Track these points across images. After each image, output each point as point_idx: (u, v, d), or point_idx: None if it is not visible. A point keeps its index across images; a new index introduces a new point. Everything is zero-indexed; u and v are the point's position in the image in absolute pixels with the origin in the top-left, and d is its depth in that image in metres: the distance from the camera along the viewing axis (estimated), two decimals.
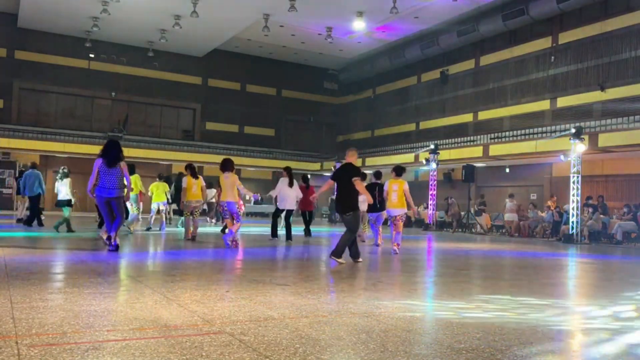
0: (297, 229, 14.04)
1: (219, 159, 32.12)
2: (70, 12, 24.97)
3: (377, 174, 12.00)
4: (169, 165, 28.55)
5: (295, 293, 5.12)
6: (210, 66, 31.93)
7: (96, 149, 26.25)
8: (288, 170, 12.59)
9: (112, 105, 30.64)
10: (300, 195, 12.63)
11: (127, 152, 28.70)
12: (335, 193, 8.09)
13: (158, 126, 31.81)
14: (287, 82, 33.98)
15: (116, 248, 8.12)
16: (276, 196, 12.49)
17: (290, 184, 12.29)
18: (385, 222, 11.81)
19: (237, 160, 31.34)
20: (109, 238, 8.25)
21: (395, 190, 9.96)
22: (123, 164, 8.25)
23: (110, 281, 5.48)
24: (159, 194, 14.37)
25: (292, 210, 12.66)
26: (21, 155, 25.87)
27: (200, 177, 12.03)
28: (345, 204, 7.74)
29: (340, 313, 4.28)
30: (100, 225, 11.09)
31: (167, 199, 14.79)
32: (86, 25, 26.26)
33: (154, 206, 14.59)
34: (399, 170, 10.17)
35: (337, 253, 7.66)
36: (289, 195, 12.29)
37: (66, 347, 3.01)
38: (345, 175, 7.81)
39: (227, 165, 10.01)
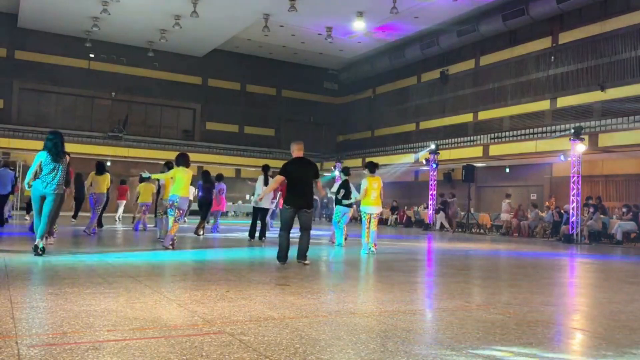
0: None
1: (219, 159, 31.86)
2: (70, 12, 24.96)
3: (346, 171, 11.69)
4: None
5: (295, 293, 5.12)
6: (210, 66, 31.91)
7: (96, 149, 26.65)
8: (264, 168, 12.22)
9: (112, 105, 30.63)
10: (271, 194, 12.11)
11: (127, 152, 28.82)
12: (291, 188, 7.62)
13: (158, 126, 31.80)
14: (287, 82, 33.96)
15: (42, 251, 7.28)
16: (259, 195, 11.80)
17: (266, 183, 11.79)
18: (352, 219, 11.49)
19: (237, 160, 31.46)
20: (36, 247, 7.27)
21: (375, 189, 9.83)
22: (68, 158, 7.74)
23: (110, 281, 5.47)
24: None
25: (267, 209, 12.24)
26: (21, 155, 25.87)
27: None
28: (309, 200, 7.62)
29: (340, 313, 4.28)
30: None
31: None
32: (86, 25, 26.24)
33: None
34: (373, 167, 9.96)
35: (303, 256, 7.51)
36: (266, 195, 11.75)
37: (66, 347, 3.01)
38: (309, 172, 7.69)
39: (187, 160, 9.58)
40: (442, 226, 21.43)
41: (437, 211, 21.82)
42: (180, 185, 9.29)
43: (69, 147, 28.54)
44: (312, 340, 3.38)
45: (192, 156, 30.08)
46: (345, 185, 11.12)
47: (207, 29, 26.42)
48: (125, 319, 3.78)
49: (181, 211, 9.40)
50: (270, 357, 2.99)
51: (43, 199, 7.41)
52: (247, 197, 30.55)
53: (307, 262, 7.51)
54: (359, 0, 22.51)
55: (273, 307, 4.41)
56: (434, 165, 22.14)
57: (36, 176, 7.52)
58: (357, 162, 27.68)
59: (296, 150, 7.85)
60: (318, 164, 31.28)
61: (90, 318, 3.75)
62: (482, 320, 4.21)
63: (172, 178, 9.46)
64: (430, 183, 22.36)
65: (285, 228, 7.57)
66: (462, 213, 21.06)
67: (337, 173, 27.31)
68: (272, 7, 23.41)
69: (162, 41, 27.66)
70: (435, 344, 3.48)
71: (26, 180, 7.49)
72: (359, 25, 24.50)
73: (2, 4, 25.81)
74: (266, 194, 7.84)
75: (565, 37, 21.75)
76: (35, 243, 7.31)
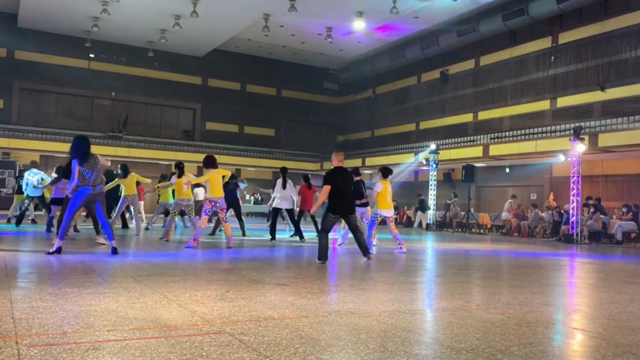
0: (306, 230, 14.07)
1: (219, 159, 31.97)
2: (70, 12, 24.96)
3: (356, 171, 11.97)
4: (168, 165, 28.53)
5: (295, 293, 5.12)
6: (210, 66, 31.92)
7: (96, 149, 26.49)
8: (283, 170, 12.78)
9: (112, 105, 30.64)
10: (294, 195, 12.69)
11: (127, 152, 28.87)
12: (337, 197, 7.97)
13: (158, 126, 31.80)
14: (287, 82, 33.97)
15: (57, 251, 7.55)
16: (273, 197, 12.64)
17: (284, 185, 12.47)
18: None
19: (237, 160, 31.51)
20: (114, 250, 7.87)
21: (389, 192, 10.24)
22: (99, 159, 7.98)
23: (110, 281, 5.48)
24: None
25: (290, 209, 12.80)
26: (21, 155, 25.88)
27: (188, 175, 11.60)
28: (352, 206, 8.30)
29: (340, 313, 4.28)
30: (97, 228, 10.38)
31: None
32: (86, 25, 26.25)
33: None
34: (387, 172, 10.38)
35: (366, 252, 8.19)
36: (282, 196, 12.50)
37: (66, 347, 3.01)
38: (350, 180, 8.31)
39: (214, 162, 9.92)
40: (420, 224, 21.80)
41: (415, 210, 22.55)
42: (215, 186, 9.69)
43: (68, 147, 28.52)
44: (312, 340, 3.38)
45: (192, 156, 30.36)
46: (357, 185, 11.34)
47: (207, 29, 26.42)
48: (125, 319, 3.78)
49: (224, 210, 9.94)
50: (270, 357, 2.99)
51: (85, 203, 7.83)
52: (247, 197, 30.56)
53: (369, 258, 8.16)
54: (359, 0, 22.51)
55: (273, 307, 4.40)
56: (434, 165, 22.14)
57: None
58: (357, 162, 27.66)
59: (337, 161, 8.21)
60: (318, 164, 31.64)
61: (90, 318, 3.75)
62: (482, 320, 4.21)
63: (207, 181, 9.88)
64: (430, 183, 22.37)
65: (327, 230, 8.05)
66: (463, 213, 21.05)
67: None
68: (272, 7, 23.41)
69: (162, 41, 27.66)
70: (435, 344, 3.48)
71: (69, 189, 7.78)
72: (359, 25, 24.50)
73: (2, 4, 25.80)
74: (318, 205, 8.24)
75: (565, 37, 21.76)
76: (113, 245, 7.85)
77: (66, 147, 28.53)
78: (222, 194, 9.80)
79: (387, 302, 4.85)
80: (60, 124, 28.63)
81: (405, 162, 24.89)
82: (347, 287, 5.73)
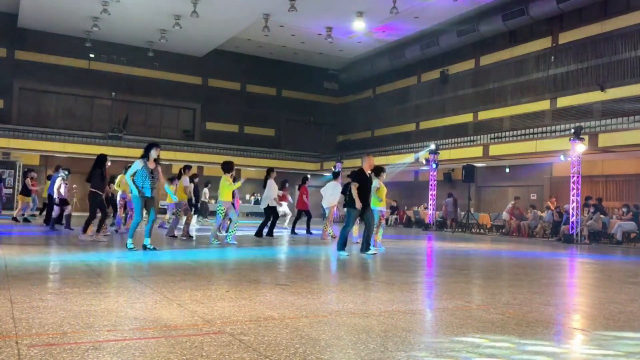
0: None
1: (219, 159, 32.10)
2: (70, 12, 24.97)
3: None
4: (168, 165, 28.52)
5: (295, 293, 5.12)
6: (210, 66, 31.92)
7: (96, 149, 26.61)
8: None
9: (112, 105, 30.64)
10: (273, 194, 12.98)
11: (127, 152, 28.87)
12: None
13: (158, 126, 31.80)
14: (287, 82, 33.96)
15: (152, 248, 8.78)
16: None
17: (264, 185, 12.97)
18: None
19: (237, 160, 31.41)
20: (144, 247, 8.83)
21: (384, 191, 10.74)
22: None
23: (110, 281, 5.48)
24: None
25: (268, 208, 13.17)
26: (21, 155, 25.88)
27: (183, 177, 12.21)
28: (364, 202, 9.06)
29: (340, 313, 4.28)
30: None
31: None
32: (86, 25, 26.25)
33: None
34: (380, 171, 10.55)
35: (367, 247, 9.18)
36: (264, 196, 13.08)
37: (66, 347, 3.01)
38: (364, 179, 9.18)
39: (227, 167, 10.62)
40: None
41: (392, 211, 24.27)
42: (225, 190, 10.47)
43: (68, 147, 28.44)
44: (312, 340, 3.38)
45: (192, 156, 30.37)
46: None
47: (207, 29, 26.42)
48: (125, 319, 3.78)
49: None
50: (270, 357, 2.99)
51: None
52: (247, 197, 30.57)
53: (370, 253, 9.19)
54: (359, 0, 22.51)
55: (273, 307, 4.41)
56: (434, 165, 22.13)
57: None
58: (357, 162, 27.59)
59: (368, 166, 9.43)
60: (318, 164, 31.64)
61: (90, 318, 3.75)
62: (482, 320, 4.21)
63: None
64: (430, 183, 22.36)
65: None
66: (463, 213, 21.05)
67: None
68: (272, 7, 23.41)
69: (162, 41, 27.66)
70: (436, 344, 3.48)
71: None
72: (359, 25, 24.50)
73: (2, 4, 25.81)
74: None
75: (565, 37, 21.75)
76: (144, 243, 8.71)
77: (66, 147, 28.57)
78: (230, 198, 10.55)
79: (387, 302, 4.85)
80: (61, 124, 28.64)
81: (400, 162, 24.87)
82: (347, 287, 5.73)
